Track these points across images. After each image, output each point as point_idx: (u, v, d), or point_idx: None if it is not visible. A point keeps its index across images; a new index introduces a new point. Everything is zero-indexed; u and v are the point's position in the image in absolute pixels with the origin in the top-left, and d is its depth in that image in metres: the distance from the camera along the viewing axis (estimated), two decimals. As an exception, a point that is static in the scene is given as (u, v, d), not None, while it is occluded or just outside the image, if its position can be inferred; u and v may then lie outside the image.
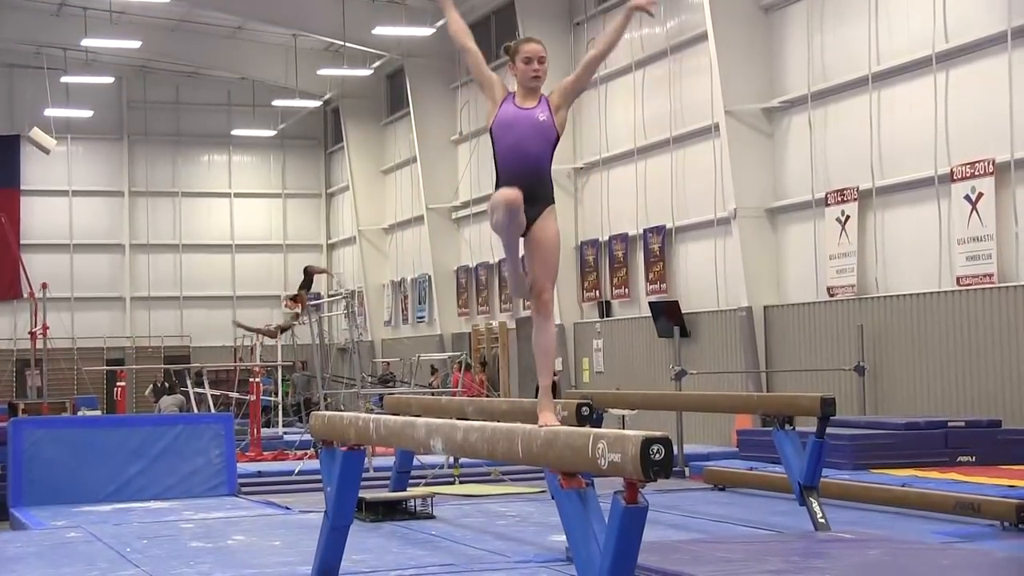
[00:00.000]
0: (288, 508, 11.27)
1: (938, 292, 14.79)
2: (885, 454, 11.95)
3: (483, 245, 26.09)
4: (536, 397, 5.67)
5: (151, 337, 34.14)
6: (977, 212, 14.18)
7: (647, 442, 4.19)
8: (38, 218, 33.43)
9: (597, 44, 5.86)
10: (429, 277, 28.64)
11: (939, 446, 12.14)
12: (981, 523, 9.02)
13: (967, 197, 14.31)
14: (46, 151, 29.69)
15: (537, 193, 5.66)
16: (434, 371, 25.35)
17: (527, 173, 5.66)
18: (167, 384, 21.42)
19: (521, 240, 5.69)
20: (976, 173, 14.22)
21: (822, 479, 8.89)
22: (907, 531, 8.76)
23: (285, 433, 20.13)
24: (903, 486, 10.24)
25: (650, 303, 19.96)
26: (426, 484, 12.59)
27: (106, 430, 12.88)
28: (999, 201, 13.97)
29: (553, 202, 5.70)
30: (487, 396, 19.86)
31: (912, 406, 14.96)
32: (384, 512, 10.01)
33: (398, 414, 9.25)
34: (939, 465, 11.67)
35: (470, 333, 26.66)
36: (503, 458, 5.34)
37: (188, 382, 19.99)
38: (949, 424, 12.45)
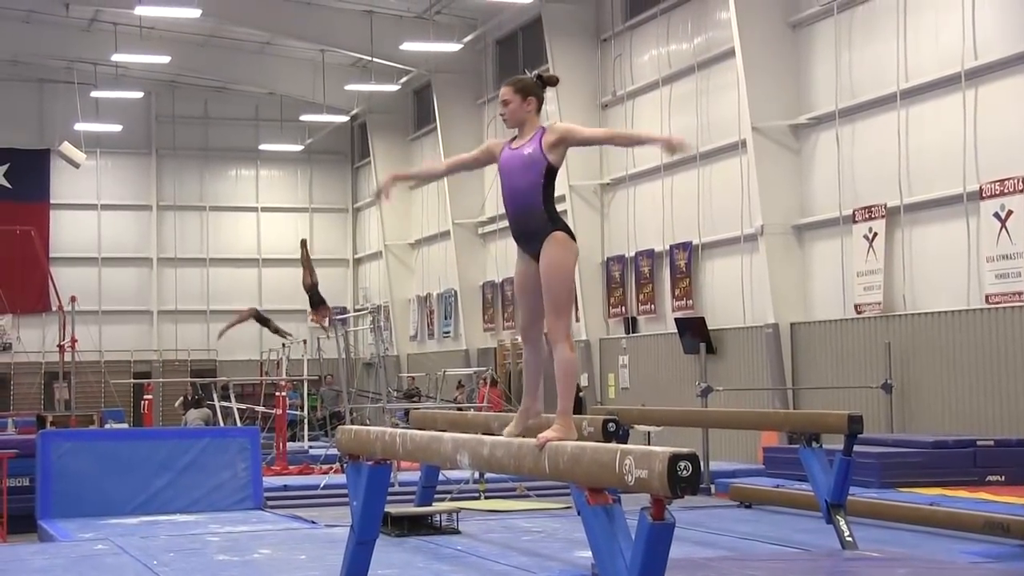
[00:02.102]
0: (314, 522, 11.27)
1: (967, 310, 14.71)
2: (913, 472, 11.88)
3: (509, 260, 26.06)
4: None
5: (178, 350, 34.28)
6: (1006, 229, 14.11)
7: (674, 458, 4.18)
8: (67, 232, 33.66)
9: (623, 137, 5.93)
10: (455, 292, 28.67)
11: (968, 465, 12.06)
12: (1011, 543, 8.94)
13: (996, 214, 14.24)
14: (76, 165, 29.90)
15: (531, 227, 5.72)
16: (460, 386, 25.35)
17: (519, 210, 5.77)
18: (197, 397, 21.49)
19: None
20: (1005, 191, 14.15)
21: (849, 497, 8.84)
22: (935, 550, 8.70)
23: (311, 447, 20.16)
24: (931, 505, 10.17)
25: (676, 319, 19.92)
26: (452, 499, 12.58)
27: (133, 443, 12.94)
28: (1028, 219, 13.90)
29: (556, 229, 5.67)
30: (508, 411, 19.84)
31: (940, 424, 14.87)
32: (410, 527, 10.01)
33: (424, 429, 9.26)
34: (968, 484, 11.60)
35: (496, 348, 26.66)
36: (530, 474, 5.33)
37: (214, 396, 20.06)
38: (978, 443, 12.38)
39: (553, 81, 5.96)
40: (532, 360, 5.84)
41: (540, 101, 5.83)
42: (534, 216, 5.72)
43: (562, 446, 4.97)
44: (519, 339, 6.09)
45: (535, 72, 6.05)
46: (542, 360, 5.78)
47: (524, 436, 5.57)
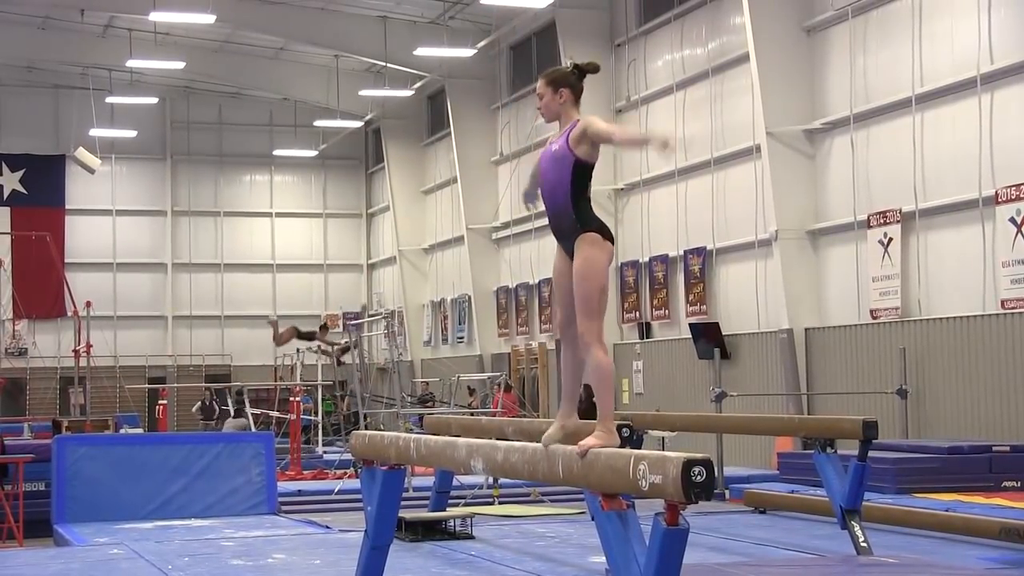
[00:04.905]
0: (328, 527, 11.30)
1: (982, 315, 14.67)
2: (928, 478, 11.85)
3: (523, 266, 26.10)
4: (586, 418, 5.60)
5: (192, 356, 34.38)
6: (1022, 234, 14.06)
7: (689, 464, 4.18)
8: (82, 237, 33.78)
9: (621, 138, 5.66)
10: (469, 297, 28.67)
11: (983, 471, 12.02)
12: (1026, 549, 8.92)
13: (1012, 219, 14.19)
14: (91, 171, 29.99)
15: (562, 226, 5.49)
16: (472, 392, 25.34)
17: (550, 207, 5.54)
18: (214, 403, 21.51)
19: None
20: (1021, 195, 14.10)
21: (864, 503, 8.82)
22: (951, 556, 8.67)
23: (325, 452, 20.18)
24: (947, 511, 10.14)
25: (690, 325, 19.89)
26: (465, 504, 12.58)
27: (148, 448, 12.97)
28: (1044, 223, 13.86)
29: (586, 229, 5.40)
30: (523, 416, 19.83)
31: (956, 430, 14.82)
32: (424, 532, 10.02)
33: (438, 434, 9.26)
34: (983, 490, 11.55)
35: (510, 354, 26.66)
36: (544, 479, 5.32)
37: (229, 400, 20.10)
38: (994, 449, 12.34)
39: (593, 68, 5.63)
40: (570, 361, 5.55)
41: (576, 92, 5.55)
42: (564, 215, 5.47)
43: (575, 451, 4.96)
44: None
45: (572, 62, 5.82)
46: (580, 362, 5.51)
47: (564, 443, 5.28)
